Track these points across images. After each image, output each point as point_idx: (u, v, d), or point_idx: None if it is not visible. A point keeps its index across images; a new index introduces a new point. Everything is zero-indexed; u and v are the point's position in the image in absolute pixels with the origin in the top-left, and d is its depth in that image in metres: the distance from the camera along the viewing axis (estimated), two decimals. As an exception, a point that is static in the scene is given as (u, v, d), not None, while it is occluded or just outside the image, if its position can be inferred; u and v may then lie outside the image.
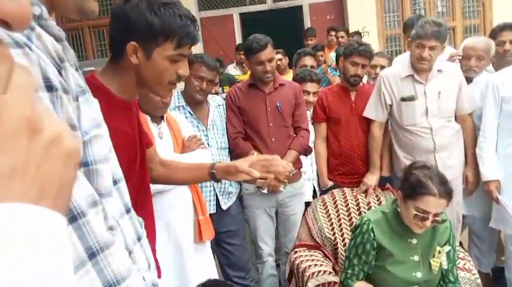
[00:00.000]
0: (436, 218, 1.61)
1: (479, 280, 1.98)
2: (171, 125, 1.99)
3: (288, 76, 3.58)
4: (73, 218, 0.58)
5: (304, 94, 2.54)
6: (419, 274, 1.71)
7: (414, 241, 1.71)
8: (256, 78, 2.39)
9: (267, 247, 2.45)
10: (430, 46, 2.27)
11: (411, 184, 1.63)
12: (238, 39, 6.50)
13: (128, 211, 0.81)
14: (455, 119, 2.49)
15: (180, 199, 1.90)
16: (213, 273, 2.02)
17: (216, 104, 2.40)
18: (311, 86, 2.60)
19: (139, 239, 0.84)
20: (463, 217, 2.60)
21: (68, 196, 0.36)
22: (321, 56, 4.75)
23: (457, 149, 2.48)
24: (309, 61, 3.19)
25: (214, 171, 1.34)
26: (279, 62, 3.55)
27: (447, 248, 1.72)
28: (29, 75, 0.35)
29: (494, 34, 2.71)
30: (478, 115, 2.52)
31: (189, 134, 2.08)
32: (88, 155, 0.68)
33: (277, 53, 5.35)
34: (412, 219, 1.62)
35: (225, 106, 2.45)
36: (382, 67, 2.95)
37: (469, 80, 2.67)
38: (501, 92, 2.35)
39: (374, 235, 1.70)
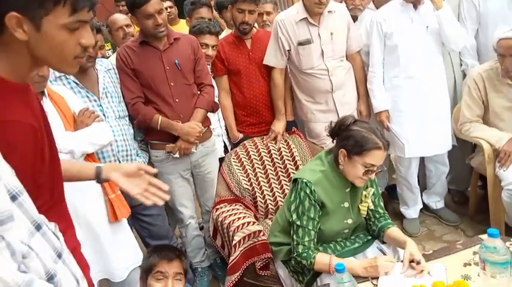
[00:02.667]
0: (378, 169, 1.62)
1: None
2: (55, 101, 1.69)
3: (180, 26, 3.28)
4: None
5: (202, 47, 2.34)
6: (349, 220, 1.74)
7: (347, 190, 1.72)
8: (148, 34, 2.12)
9: (186, 210, 2.34)
10: None
11: (356, 140, 1.58)
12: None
13: (38, 228, 0.68)
14: (346, 58, 2.59)
15: (83, 182, 1.68)
16: (135, 250, 1.89)
17: (105, 68, 2.08)
18: (210, 39, 2.40)
19: (59, 255, 0.72)
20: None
21: None
22: None
23: (350, 87, 2.59)
24: (206, 13, 2.89)
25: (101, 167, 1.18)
26: (169, 10, 3.20)
27: (371, 190, 1.76)
28: None
29: None
30: (365, 52, 2.65)
31: (80, 107, 1.80)
32: None
33: (163, 0, 4.88)
34: (360, 175, 1.59)
35: (116, 69, 2.16)
36: (268, 13, 2.87)
37: (354, 19, 2.77)
38: (384, 28, 2.46)
39: (316, 196, 1.64)
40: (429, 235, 2.68)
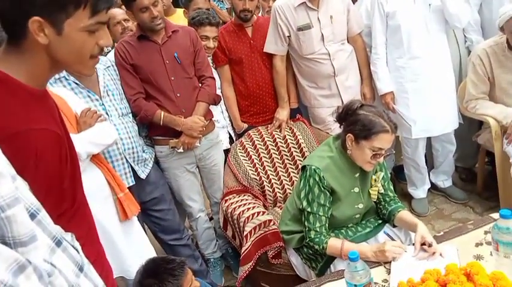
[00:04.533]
0: (387, 153, 1.60)
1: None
2: (56, 104, 1.67)
3: (176, 16, 3.21)
4: None
5: (202, 39, 2.29)
6: (360, 205, 1.73)
7: (357, 175, 1.70)
8: (145, 28, 2.06)
9: (195, 203, 2.33)
10: None
11: (363, 125, 1.55)
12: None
13: (58, 244, 0.68)
14: (347, 41, 2.54)
15: (92, 183, 1.66)
16: (147, 246, 1.88)
17: (104, 66, 2.03)
18: (210, 30, 2.33)
19: (81, 269, 0.73)
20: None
21: None
22: None
23: (353, 70, 2.54)
24: (203, 3, 2.79)
25: None
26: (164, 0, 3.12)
27: (381, 174, 1.74)
28: None
29: None
30: (366, 33, 2.60)
31: (81, 108, 1.77)
32: None
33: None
34: (368, 159, 1.57)
35: (115, 66, 2.13)
36: None
37: (353, 0, 2.70)
38: (385, 8, 2.39)
39: (326, 182, 1.63)
40: (438, 214, 2.67)
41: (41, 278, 0.56)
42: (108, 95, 1.98)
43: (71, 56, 0.88)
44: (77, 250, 0.75)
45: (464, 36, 2.60)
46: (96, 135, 1.70)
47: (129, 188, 1.88)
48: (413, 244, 1.53)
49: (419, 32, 2.37)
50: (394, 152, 1.70)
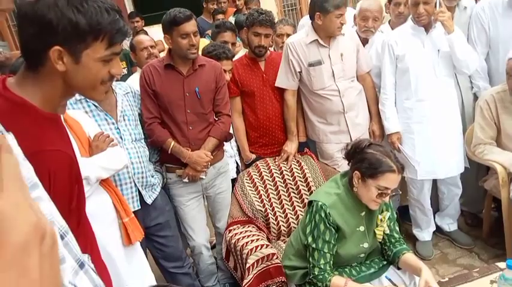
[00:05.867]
0: (393, 193, 1.60)
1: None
2: (70, 126, 1.68)
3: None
4: None
5: None
6: (365, 244, 1.71)
7: (363, 213, 1.69)
8: (179, 54, 2.09)
9: (198, 237, 2.29)
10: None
11: (370, 163, 1.56)
12: (129, 8, 5.94)
13: (81, 266, 0.70)
14: (357, 79, 2.59)
15: (99, 207, 1.67)
16: (148, 273, 1.86)
17: (123, 91, 2.08)
18: (227, 64, 2.39)
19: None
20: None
21: None
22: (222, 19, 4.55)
23: (362, 107, 2.58)
24: (230, 37, 2.86)
25: None
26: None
27: (387, 214, 1.73)
28: (12, 155, 0.37)
29: None
30: (376, 74, 2.65)
31: (95, 132, 1.80)
32: None
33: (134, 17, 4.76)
34: (373, 197, 1.57)
35: (133, 93, 2.17)
36: (289, 35, 2.89)
37: (364, 42, 2.78)
38: (395, 51, 2.46)
39: (331, 219, 1.62)
40: (443, 259, 2.61)
41: None
42: (124, 120, 2.02)
43: (85, 83, 0.93)
44: (94, 271, 0.75)
45: (471, 83, 2.64)
46: (107, 160, 1.72)
47: (134, 212, 1.88)
48: None
49: (427, 75, 2.42)
50: (400, 192, 1.70)
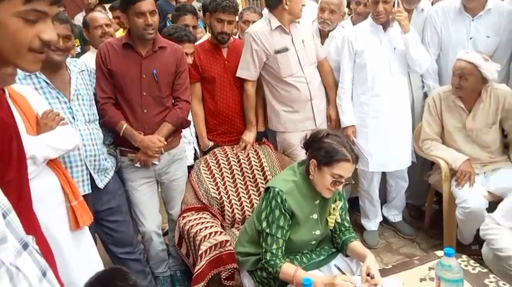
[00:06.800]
0: (346, 182, 1.65)
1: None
2: (16, 102, 1.57)
3: None
4: None
5: None
6: (317, 232, 1.76)
7: (317, 201, 1.73)
8: (135, 34, 2.01)
9: (148, 223, 2.24)
10: None
11: (327, 151, 1.60)
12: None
13: (25, 247, 0.65)
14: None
15: (45, 189, 1.58)
16: (96, 259, 1.80)
17: (78, 69, 1.97)
18: (188, 47, 2.33)
19: (44, 274, 0.69)
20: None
21: None
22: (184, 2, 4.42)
23: (323, 95, 2.64)
24: (191, 21, 2.78)
25: None
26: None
27: (340, 203, 1.79)
28: None
29: None
30: (335, 68, 2.71)
31: (44, 109, 1.68)
32: None
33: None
34: (328, 185, 1.62)
35: (89, 71, 2.05)
36: (254, 23, 2.87)
37: (325, 35, 2.83)
38: (354, 46, 2.53)
39: (287, 205, 1.65)
40: (387, 248, 2.76)
41: (12, 280, 0.54)
42: (77, 99, 1.91)
43: (6, 45, 0.81)
44: (39, 253, 0.71)
45: (422, 82, 2.78)
46: (56, 139, 1.63)
47: (84, 196, 1.81)
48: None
49: (383, 72, 2.51)
50: (353, 182, 1.76)
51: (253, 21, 2.74)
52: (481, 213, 2.17)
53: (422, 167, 2.83)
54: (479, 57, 2.24)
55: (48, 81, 1.81)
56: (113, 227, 2.08)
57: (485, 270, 1.61)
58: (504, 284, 1.50)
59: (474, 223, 2.22)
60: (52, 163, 1.65)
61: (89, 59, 2.33)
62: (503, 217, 1.77)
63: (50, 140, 1.60)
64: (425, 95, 2.77)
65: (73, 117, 1.86)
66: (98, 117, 2.02)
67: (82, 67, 2.01)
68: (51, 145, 1.59)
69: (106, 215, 2.04)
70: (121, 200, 2.12)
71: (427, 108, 2.54)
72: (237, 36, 2.85)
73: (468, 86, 2.29)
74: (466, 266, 1.60)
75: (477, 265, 1.63)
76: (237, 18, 2.66)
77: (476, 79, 2.25)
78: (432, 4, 2.82)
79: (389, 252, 2.70)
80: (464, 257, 1.68)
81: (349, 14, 3.11)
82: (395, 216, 2.90)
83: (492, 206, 1.95)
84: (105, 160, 2.02)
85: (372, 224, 2.82)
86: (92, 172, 1.92)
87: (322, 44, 2.76)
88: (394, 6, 2.41)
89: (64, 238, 1.64)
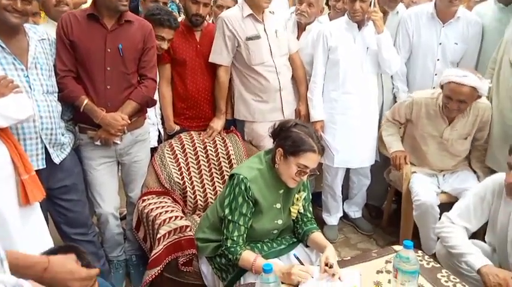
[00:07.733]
0: (311, 173, 1.65)
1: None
2: None
3: None
4: None
5: (157, 39, 2.17)
6: (280, 221, 1.74)
7: (281, 191, 1.72)
8: (108, 6, 1.89)
9: (105, 204, 2.14)
10: None
11: (294, 141, 1.59)
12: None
13: None
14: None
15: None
16: (46, 237, 1.69)
17: (38, 37, 1.83)
18: (168, 33, 2.24)
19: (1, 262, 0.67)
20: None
21: None
22: None
23: (291, 86, 2.63)
24: None
25: None
26: None
27: (303, 194, 1.79)
28: None
29: None
30: (309, 62, 2.70)
31: (-3, 75, 1.57)
32: None
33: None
34: (293, 175, 1.61)
35: (50, 41, 1.91)
36: (229, 8, 2.81)
37: (302, 29, 2.82)
38: (329, 42, 2.54)
39: (251, 193, 1.63)
40: (345, 242, 2.81)
41: None
42: (36, 68, 1.78)
43: None
44: None
45: (393, 84, 2.83)
46: (8, 107, 1.51)
47: (37, 171, 1.69)
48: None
49: (355, 70, 2.54)
50: (318, 173, 1.76)
51: (228, 7, 2.68)
52: (432, 207, 2.27)
53: (384, 167, 2.89)
54: (475, 78, 2.13)
55: (3, 45, 1.67)
56: (67, 207, 1.96)
57: (438, 265, 1.67)
58: (454, 278, 1.56)
59: (427, 219, 2.30)
60: (2, 133, 1.53)
61: (50, 28, 2.17)
62: (458, 215, 1.83)
63: (1, 108, 1.48)
64: (395, 97, 2.82)
65: (30, 87, 1.73)
66: (57, 89, 1.89)
67: (43, 35, 1.87)
68: (1, 112, 1.47)
69: (60, 193, 1.92)
70: (77, 179, 2.01)
71: (401, 102, 2.51)
72: (210, 21, 2.78)
73: (466, 107, 2.26)
74: (421, 260, 1.64)
75: (431, 260, 1.68)
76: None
77: (473, 99, 2.22)
78: (407, 8, 2.88)
79: (347, 247, 2.75)
80: (419, 252, 1.73)
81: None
82: (355, 212, 2.96)
83: (448, 206, 2.02)
84: (63, 135, 1.90)
85: (332, 218, 2.86)
86: (47, 146, 1.80)
87: (299, 37, 2.76)
88: (370, 5, 2.43)
89: (10, 213, 1.53)
